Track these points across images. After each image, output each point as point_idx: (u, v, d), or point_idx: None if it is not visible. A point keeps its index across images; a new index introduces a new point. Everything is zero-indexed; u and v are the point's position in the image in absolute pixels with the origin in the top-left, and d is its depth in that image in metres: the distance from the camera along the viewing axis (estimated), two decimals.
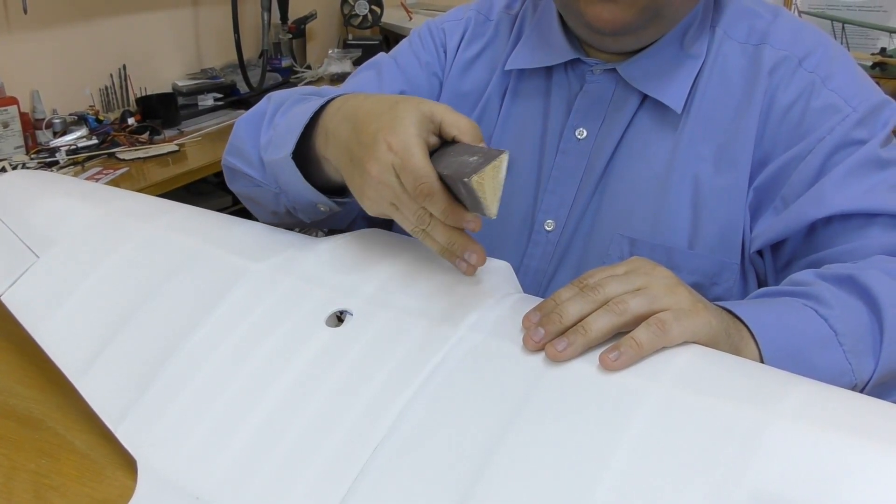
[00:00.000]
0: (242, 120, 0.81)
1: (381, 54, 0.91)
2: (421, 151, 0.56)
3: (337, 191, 0.71)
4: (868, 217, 0.68)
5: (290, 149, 0.68)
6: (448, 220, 0.56)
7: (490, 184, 0.52)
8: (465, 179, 0.51)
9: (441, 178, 0.55)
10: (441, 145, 0.59)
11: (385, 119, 0.58)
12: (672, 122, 0.75)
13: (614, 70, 0.76)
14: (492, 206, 0.53)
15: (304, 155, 0.70)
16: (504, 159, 0.52)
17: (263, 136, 0.76)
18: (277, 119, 0.76)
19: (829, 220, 0.69)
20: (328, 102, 0.69)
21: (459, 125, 0.58)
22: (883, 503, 0.40)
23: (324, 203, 0.72)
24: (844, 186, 0.68)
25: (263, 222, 0.79)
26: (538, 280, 0.79)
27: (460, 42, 0.86)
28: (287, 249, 0.68)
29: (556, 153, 0.78)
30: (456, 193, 0.56)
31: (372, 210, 0.61)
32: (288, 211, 0.76)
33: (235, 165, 0.80)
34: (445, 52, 0.87)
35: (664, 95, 0.74)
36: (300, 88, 0.82)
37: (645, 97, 0.76)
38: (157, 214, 0.75)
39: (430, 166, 0.55)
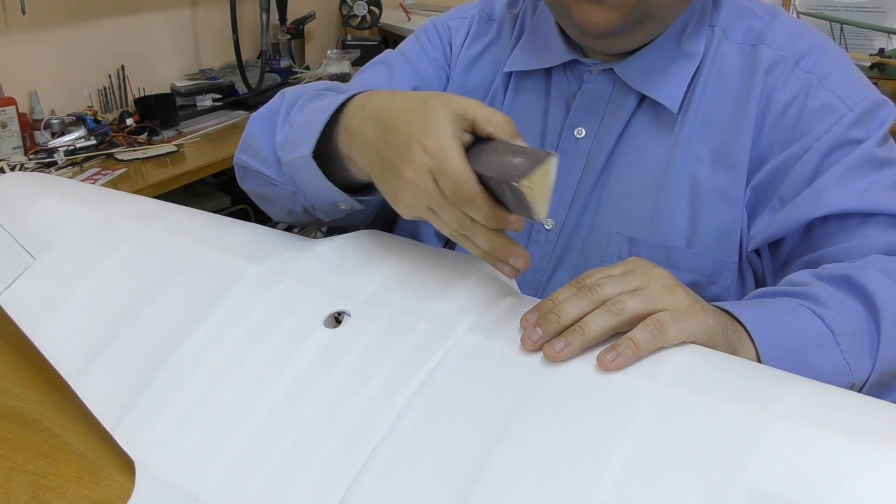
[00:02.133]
0: (256, 117, 0.79)
1: (389, 51, 0.90)
2: (458, 153, 0.54)
3: (358, 188, 0.70)
4: (865, 216, 0.68)
5: (310, 147, 0.67)
6: (490, 224, 0.55)
7: (540, 188, 0.50)
8: (514, 183, 0.49)
9: (480, 179, 0.53)
10: (475, 142, 0.57)
11: (417, 119, 0.56)
12: (670, 121, 0.75)
13: (612, 70, 0.76)
14: (541, 210, 0.50)
15: (325, 153, 0.68)
16: (554, 162, 0.50)
17: (279, 133, 0.74)
18: (293, 116, 0.73)
19: (826, 220, 0.69)
20: (349, 99, 0.67)
21: (495, 121, 0.56)
22: (881, 502, 0.40)
23: (345, 202, 0.70)
24: (841, 186, 0.68)
25: (278, 220, 0.78)
26: (537, 279, 0.80)
27: (465, 40, 0.87)
28: (285, 251, 0.68)
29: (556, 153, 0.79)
30: (497, 194, 0.54)
31: (407, 214, 0.59)
32: (305, 210, 0.75)
33: (249, 164, 0.78)
34: (451, 49, 0.87)
35: (660, 94, 0.74)
36: (315, 84, 0.81)
37: (643, 97, 0.76)
38: (154, 216, 0.75)
39: (469, 169, 0.53)
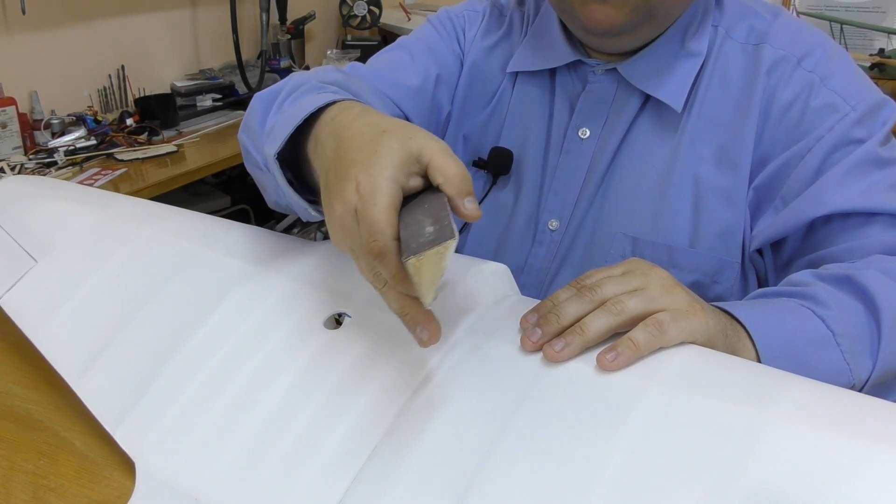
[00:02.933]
0: (258, 97, 0.75)
1: (404, 38, 0.89)
2: (386, 200, 0.48)
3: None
4: (867, 216, 0.68)
5: (275, 148, 0.61)
6: (399, 287, 0.48)
7: (428, 270, 0.44)
8: (403, 258, 0.45)
9: (403, 226, 0.48)
10: (426, 190, 0.51)
11: (364, 151, 0.51)
12: (673, 121, 0.75)
13: (615, 70, 0.76)
14: (426, 295, 0.45)
15: (300, 152, 0.63)
16: (450, 246, 0.44)
17: (270, 120, 0.69)
18: (286, 105, 0.69)
19: (828, 219, 0.69)
20: (329, 105, 0.61)
21: (447, 173, 0.49)
22: (880, 501, 0.40)
23: (304, 212, 0.65)
24: (843, 185, 0.68)
25: (271, 208, 0.77)
26: (541, 279, 0.80)
27: (478, 31, 0.87)
28: (285, 253, 0.68)
29: (560, 153, 0.79)
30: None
31: (337, 247, 0.55)
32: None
33: (244, 143, 0.75)
34: (465, 38, 0.87)
35: (664, 94, 0.74)
36: (322, 72, 0.76)
37: (647, 97, 0.76)
38: (154, 219, 0.75)
39: (390, 221, 0.47)
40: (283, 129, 0.62)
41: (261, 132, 0.70)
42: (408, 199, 0.50)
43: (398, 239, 0.47)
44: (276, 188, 0.70)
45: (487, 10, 0.88)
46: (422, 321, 0.49)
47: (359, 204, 0.49)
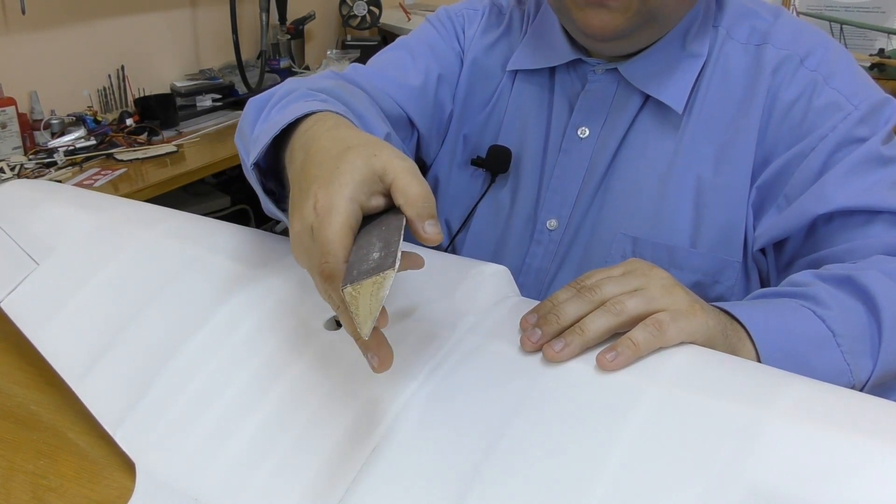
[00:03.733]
0: (251, 101, 0.74)
1: (404, 37, 0.89)
2: (341, 220, 0.46)
3: None
4: (870, 214, 0.68)
5: (253, 158, 0.61)
6: (339, 312, 0.47)
7: (364, 301, 0.43)
8: (342, 286, 0.43)
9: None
10: (388, 210, 0.50)
11: (326, 168, 0.49)
12: (674, 121, 0.75)
13: (616, 70, 0.76)
14: (363, 325, 0.43)
15: (280, 161, 0.62)
16: (389, 276, 0.43)
17: (258, 126, 0.68)
18: (273, 113, 0.68)
19: (830, 217, 0.69)
20: (307, 115, 0.60)
21: (408, 193, 0.47)
22: (880, 500, 0.40)
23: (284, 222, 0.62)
24: (846, 183, 0.68)
25: (267, 214, 0.76)
26: (540, 279, 0.80)
27: (477, 29, 0.86)
28: (285, 255, 0.68)
29: (559, 152, 0.79)
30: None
31: (297, 262, 0.53)
32: None
33: (238, 148, 0.73)
34: (465, 36, 0.87)
35: (665, 95, 0.74)
36: (317, 78, 0.76)
37: (647, 97, 0.76)
38: (155, 221, 0.75)
39: (342, 243, 0.46)
40: (263, 139, 0.61)
41: (251, 137, 0.69)
42: (369, 218, 0.49)
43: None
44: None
45: (487, 8, 0.88)
46: (372, 348, 0.47)
47: (315, 222, 0.47)
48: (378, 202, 0.49)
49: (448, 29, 0.87)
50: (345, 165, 0.48)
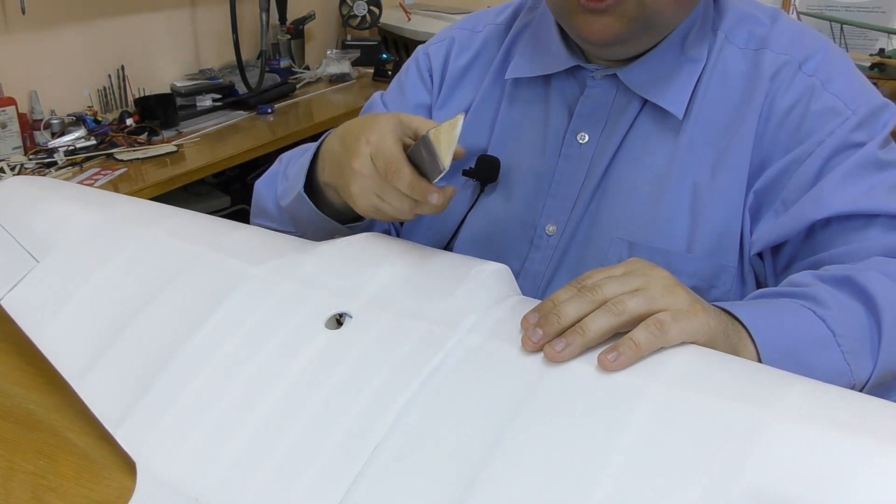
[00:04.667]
0: (260, 182, 0.88)
1: (379, 93, 0.94)
2: (392, 139, 0.63)
3: (349, 217, 0.76)
4: (867, 218, 0.68)
5: (301, 184, 0.75)
6: (413, 194, 0.62)
7: (445, 137, 0.58)
8: (425, 134, 0.59)
9: (410, 160, 0.62)
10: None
11: (366, 123, 0.66)
12: (673, 126, 0.75)
13: (615, 75, 0.76)
14: (445, 158, 0.58)
15: (314, 189, 0.76)
16: (460, 118, 0.58)
17: (279, 188, 0.83)
18: (288, 171, 0.82)
19: (828, 222, 0.69)
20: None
21: (430, 123, 0.63)
22: (881, 501, 0.40)
23: (337, 230, 0.77)
24: (843, 187, 0.68)
25: None
26: (536, 283, 0.79)
27: (445, 61, 0.88)
28: (286, 253, 0.68)
29: (559, 157, 0.79)
30: (420, 167, 0.62)
31: (361, 207, 0.66)
32: None
33: (262, 225, 0.86)
34: (431, 77, 0.89)
35: (665, 101, 0.74)
36: (309, 145, 0.85)
37: (645, 101, 0.76)
38: (156, 219, 0.75)
39: (400, 151, 0.62)
40: (299, 174, 0.76)
41: (273, 206, 0.84)
42: None
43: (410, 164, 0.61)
44: (313, 223, 0.80)
45: (456, 36, 0.89)
46: (436, 190, 0.61)
47: (372, 150, 0.63)
48: (408, 141, 0.64)
49: (412, 77, 0.90)
50: (380, 117, 0.66)
